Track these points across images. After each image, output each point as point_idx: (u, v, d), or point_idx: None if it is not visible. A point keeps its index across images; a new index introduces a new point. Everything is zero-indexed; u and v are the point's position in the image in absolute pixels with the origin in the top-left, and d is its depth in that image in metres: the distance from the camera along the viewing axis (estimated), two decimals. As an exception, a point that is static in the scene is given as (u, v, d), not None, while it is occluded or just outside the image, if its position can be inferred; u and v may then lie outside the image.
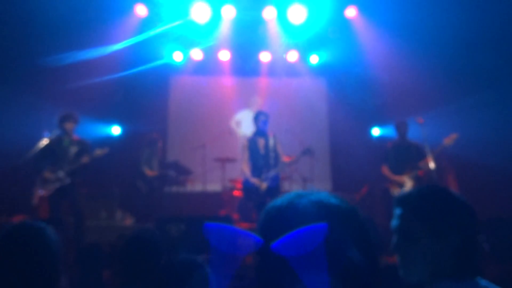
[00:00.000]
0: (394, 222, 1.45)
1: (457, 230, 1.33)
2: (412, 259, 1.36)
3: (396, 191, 5.78)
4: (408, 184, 5.70)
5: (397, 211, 1.44)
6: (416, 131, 5.85)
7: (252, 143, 5.64)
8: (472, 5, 7.10)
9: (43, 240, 1.78)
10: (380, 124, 9.33)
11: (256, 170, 5.53)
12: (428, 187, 1.52)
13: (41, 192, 5.41)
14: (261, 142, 5.61)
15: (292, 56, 9.56)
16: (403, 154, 5.95)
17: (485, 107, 7.31)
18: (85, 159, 5.51)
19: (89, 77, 8.02)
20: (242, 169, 5.68)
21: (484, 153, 7.09)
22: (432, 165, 5.35)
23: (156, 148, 8.08)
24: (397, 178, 5.82)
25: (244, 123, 9.77)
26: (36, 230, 1.82)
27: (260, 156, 5.55)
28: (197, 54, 9.42)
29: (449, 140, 5.49)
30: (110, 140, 7.96)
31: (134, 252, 2.21)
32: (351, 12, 8.49)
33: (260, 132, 5.65)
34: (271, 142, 5.59)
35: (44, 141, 5.39)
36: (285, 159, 5.67)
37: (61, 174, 5.41)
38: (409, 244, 1.37)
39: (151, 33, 8.56)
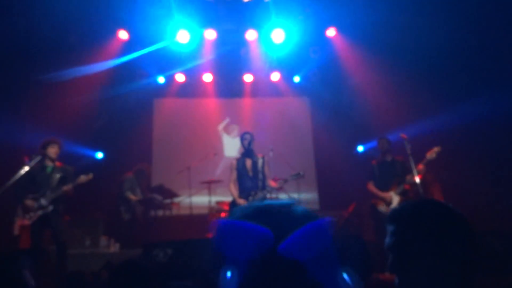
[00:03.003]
0: (388, 240, 1.32)
1: (460, 243, 1.22)
2: (415, 278, 1.23)
3: (383, 208, 5.79)
4: (395, 200, 5.72)
5: (390, 228, 1.32)
6: (401, 147, 5.91)
7: (240, 163, 5.61)
8: (449, 21, 7.32)
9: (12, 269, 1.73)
10: (364, 141, 9.41)
11: (244, 191, 5.48)
12: (422, 201, 1.41)
13: (22, 221, 5.25)
14: (249, 163, 5.58)
15: (275, 76, 9.66)
16: (388, 171, 6.01)
17: (468, 120, 7.46)
18: (67, 187, 5.36)
19: (71, 101, 7.95)
20: (230, 190, 5.63)
21: (469, 166, 7.20)
22: (417, 179, 5.39)
23: (143, 177, 8.01)
24: (383, 195, 5.85)
25: (226, 147, 9.82)
26: (11, 265, 1.76)
27: (247, 177, 5.51)
28: (180, 77, 9.45)
29: (431, 153, 5.55)
30: (93, 166, 7.82)
31: (122, 282, 2.14)
32: (331, 32, 8.67)
33: (247, 153, 5.63)
34: (259, 163, 5.56)
35: (25, 168, 5.25)
36: (272, 183, 5.63)
37: (43, 201, 5.26)
38: (410, 263, 1.24)
39: (133, 56, 8.58)
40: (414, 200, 1.43)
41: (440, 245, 1.23)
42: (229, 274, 0.77)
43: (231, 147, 9.83)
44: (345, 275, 0.82)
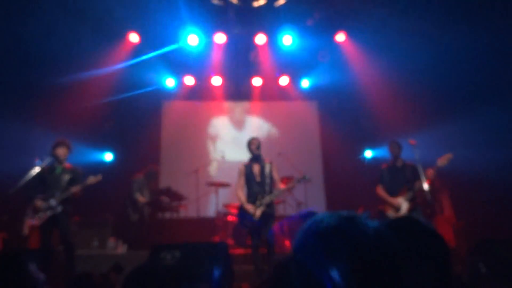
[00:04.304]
0: None
1: (430, 262, 1.16)
2: None
3: (391, 214, 5.75)
4: (404, 207, 5.67)
5: None
6: (409, 152, 5.88)
7: (248, 169, 5.63)
8: (461, 27, 7.28)
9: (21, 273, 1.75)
10: (372, 145, 9.39)
11: (251, 196, 5.50)
12: (393, 221, 1.36)
13: (32, 221, 5.31)
14: (256, 168, 5.60)
15: (284, 80, 9.68)
16: (398, 175, 5.95)
17: (477, 128, 7.40)
18: (75, 189, 5.41)
19: (81, 103, 8.02)
20: (237, 195, 5.65)
21: (478, 173, 7.13)
22: (425, 186, 5.35)
23: (153, 178, 8.05)
24: (392, 200, 5.80)
25: (227, 154, 9.76)
26: (15, 262, 1.78)
27: (255, 182, 5.53)
28: (189, 80, 9.51)
29: (443, 160, 5.50)
30: (102, 167, 7.89)
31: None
32: (340, 37, 8.67)
33: (255, 158, 5.64)
34: (267, 168, 5.58)
35: (36, 169, 5.31)
36: (281, 185, 5.64)
37: (52, 202, 5.32)
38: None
39: (143, 59, 8.64)
40: (389, 220, 1.38)
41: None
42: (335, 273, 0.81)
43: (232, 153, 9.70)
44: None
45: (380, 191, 6.03)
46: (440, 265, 1.20)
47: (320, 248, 0.88)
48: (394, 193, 5.85)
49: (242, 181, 5.64)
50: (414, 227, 1.28)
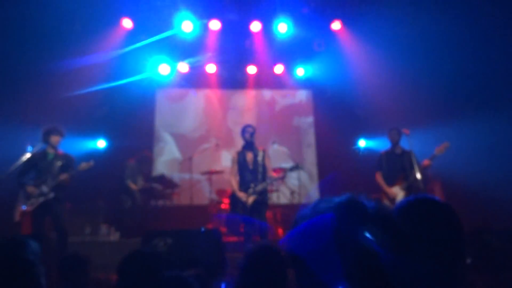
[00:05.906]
0: None
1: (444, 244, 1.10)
2: None
3: (387, 203, 5.75)
4: (400, 195, 5.68)
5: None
6: (403, 142, 5.89)
7: (241, 157, 5.61)
8: (456, 16, 7.25)
9: (22, 254, 1.73)
10: (366, 135, 9.38)
11: (244, 184, 5.49)
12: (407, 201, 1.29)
13: (24, 207, 5.27)
14: (249, 156, 5.58)
15: (279, 69, 9.62)
16: (396, 162, 5.94)
17: (471, 118, 7.42)
18: (63, 176, 5.36)
19: (74, 90, 7.93)
20: (230, 182, 5.64)
21: (470, 163, 7.17)
22: (418, 175, 5.38)
23: (145, 165, 8.00)
24: (387, 190, 5.81)
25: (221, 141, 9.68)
26: (15, 244, 1.76)
27: (248, 170, 5.51)
28: (183, 67, 9.41)
29: (440, 149, 5.52)
30: (95, 154, 7.83)
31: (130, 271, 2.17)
32: (336, 25, 8.61)
33: (248, 145, 5.62)
34: (260, 156, 5.56)
35: (27, 155, 5.26)
36: (273, 174, 5.63)
37: (44, 188, 5.28)
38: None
39: (137, 46, 8.53)
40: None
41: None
42: None
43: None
44: None
45: (379, 178, 6.02)
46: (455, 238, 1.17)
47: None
48: (391, 180, 5.85)
49: (235, 169, 5.62)
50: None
